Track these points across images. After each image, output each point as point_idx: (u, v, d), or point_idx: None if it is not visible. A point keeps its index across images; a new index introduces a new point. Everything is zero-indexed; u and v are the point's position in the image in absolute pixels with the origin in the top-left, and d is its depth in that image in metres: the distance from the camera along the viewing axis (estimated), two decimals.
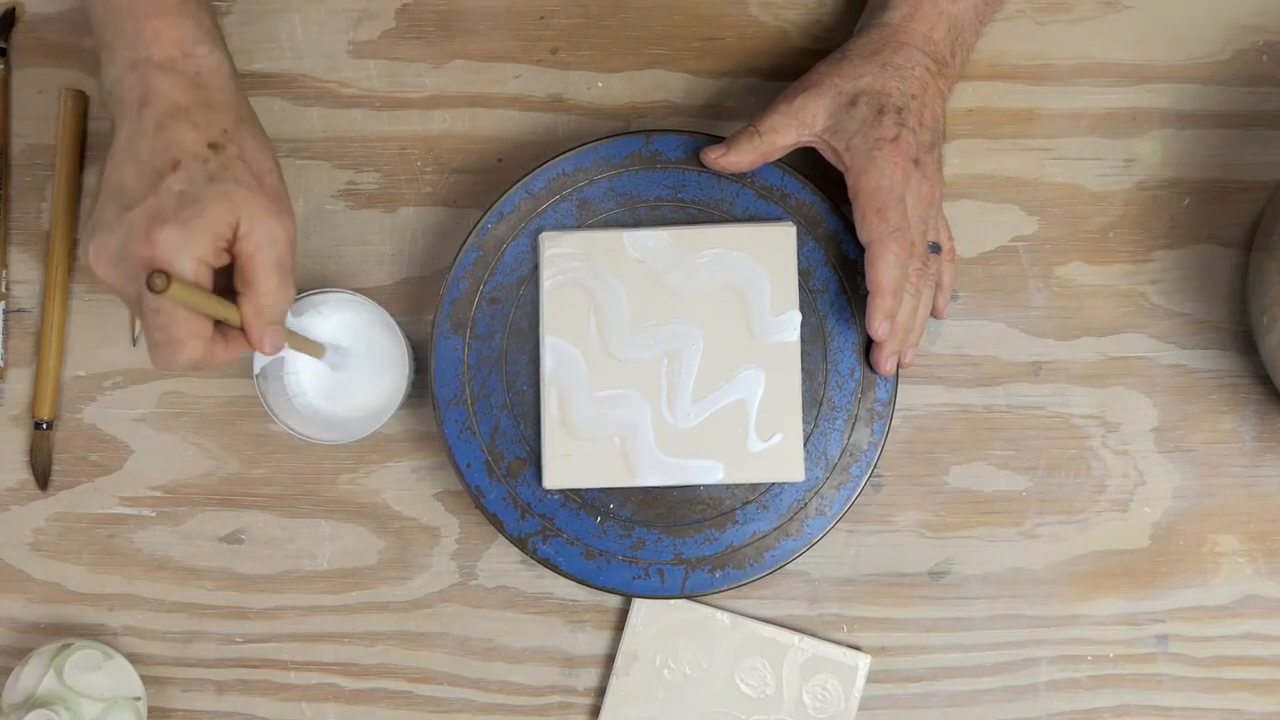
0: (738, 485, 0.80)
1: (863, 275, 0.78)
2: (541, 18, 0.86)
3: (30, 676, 0.80)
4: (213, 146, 0.67)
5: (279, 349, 0.69)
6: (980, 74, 0.85)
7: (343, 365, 0.81)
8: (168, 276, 0.60)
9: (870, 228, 0.75)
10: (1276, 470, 0.84)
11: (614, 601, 0.84)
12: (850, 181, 0.76)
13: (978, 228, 0.84)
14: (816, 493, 0.80)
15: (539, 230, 0.80)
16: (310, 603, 0.85)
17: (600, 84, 0.85)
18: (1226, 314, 0.84)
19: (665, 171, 0.81)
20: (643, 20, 0.86)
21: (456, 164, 0.85)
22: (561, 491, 0.80)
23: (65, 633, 0.85)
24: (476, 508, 0.80)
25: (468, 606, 0.84)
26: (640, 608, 0.83)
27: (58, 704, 0.78)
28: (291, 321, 0.78)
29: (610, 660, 0.84)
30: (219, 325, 0.68)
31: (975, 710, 0.84)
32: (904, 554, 0.84)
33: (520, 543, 0.80)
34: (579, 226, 0.81)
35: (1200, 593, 0.84)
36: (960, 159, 0.84)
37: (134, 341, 0.85)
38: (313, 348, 0.77)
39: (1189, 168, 0.85)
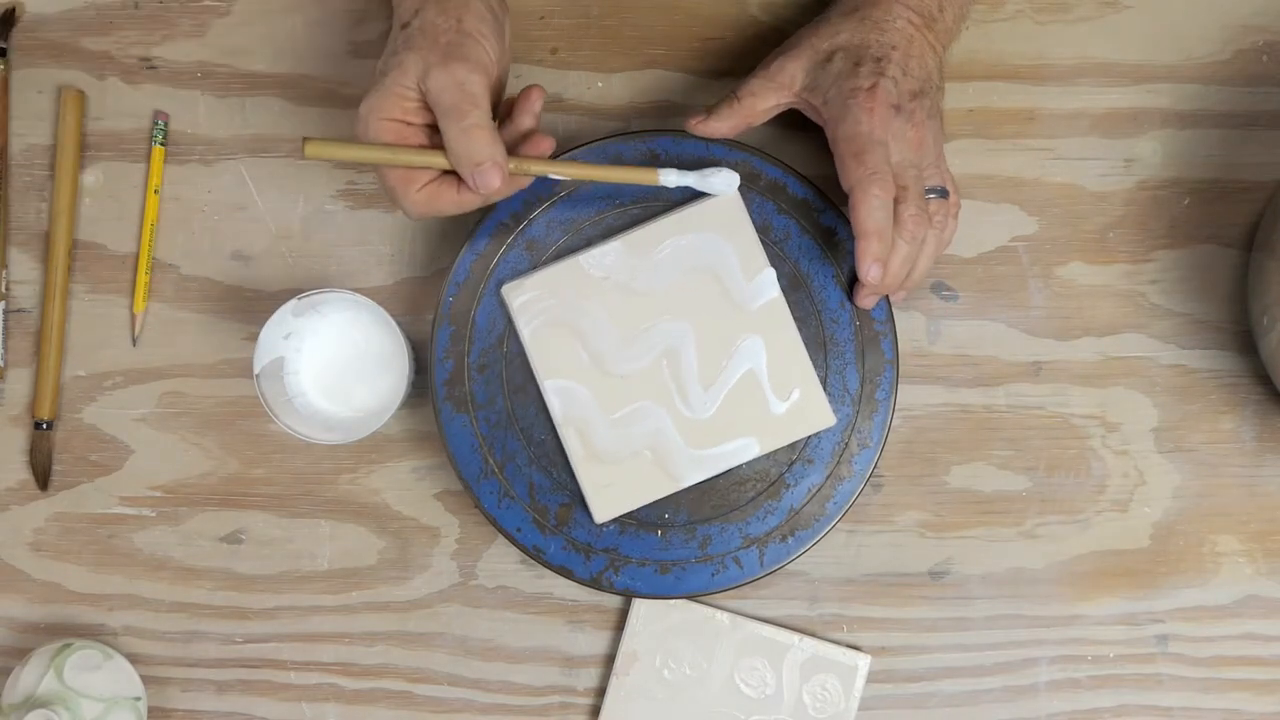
0: (776, 451, 0.80)
1: (818, 209, 0.79)
2: (541, 18, 0.86)
3: (30, 676, 0.80)
4: (404, 26, 0.74)
5: (491, 189, 0.73)
6: (980, 74, 0.85)
7: (727, 186, 0.79)
8: (305, 140, 0.72)
9: (849, 172, 0.74)
10: (1276, 470, 0.84)
11: (614, 601, 0.84)
12: (829, 133, 0.76)
13: (978, 228, 0.84)
14: (853, 429, 0.81)
15: (499, 285, 0.81)
16: (310, 603, 0.85)
17: (600, 84, 0.85)
18: (1226, 314, 0.84)
19: (593, 185, 0.81)
20: (643, 20, 0.86)
21: None
22: (615, 521, 0.80)
23: (65, 633, 0.85)
24: (539, 563, 0.80)
25: (468, 606, 0.84)
26: (640, 608, 0.83)
27: (58, 704, 0.78)
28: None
29: (610, 660, 0.84)
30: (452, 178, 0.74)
31: (975, 710, 0.84)
32: (904, 554, 0.84)
33: (595, 583, 0.80)
34: (534, 268, 0.81)
35: (1200, 593, 0.84)
36: (960, 159, 0.84)
37: (134, 341, 0.85)
38: (639, 174, 0.78)
39: (1189, 168, 0.85)
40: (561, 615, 0.84)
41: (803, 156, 0.83)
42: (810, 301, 0.81)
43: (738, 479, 0.81)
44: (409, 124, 0.73)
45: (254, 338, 0.79)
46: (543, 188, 0.81)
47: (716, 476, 0.80)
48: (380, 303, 0.79)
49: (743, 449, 0.80)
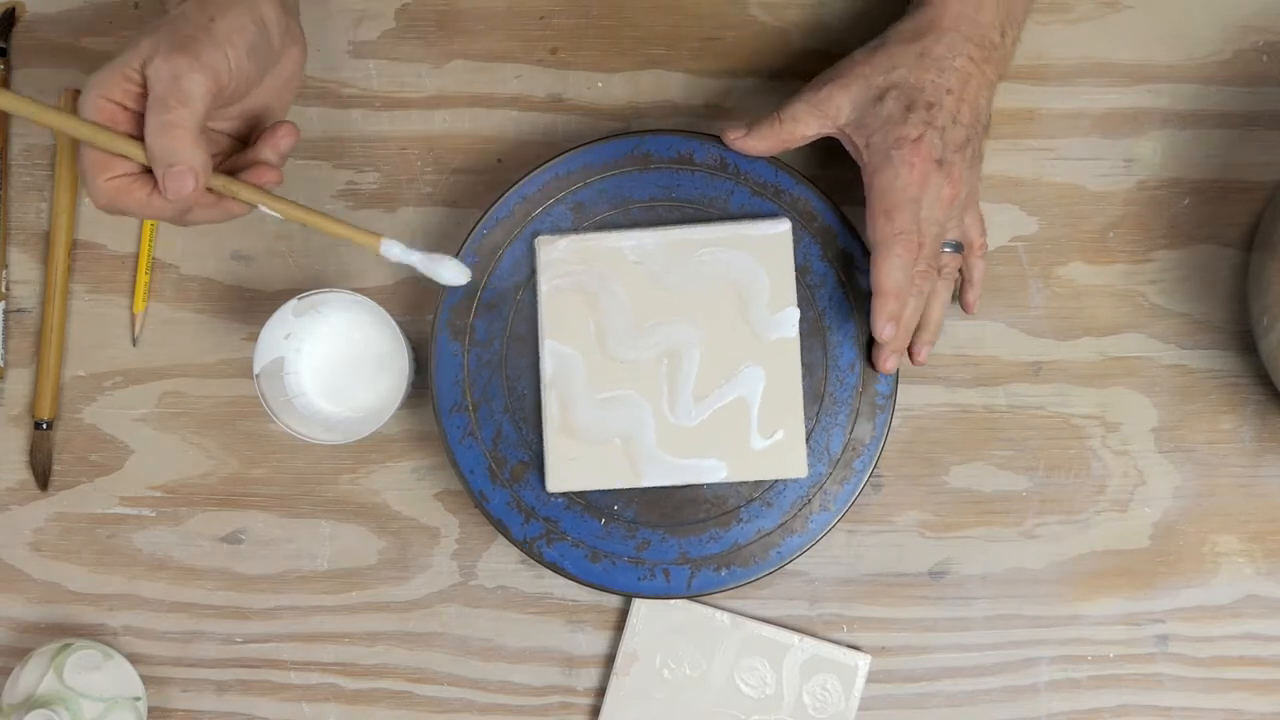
0: (741, 483, 0.80)
1: (861, 270, 0.78)
2: (541, 18, 0.86)
3: (30, 676, 0.80)
4: (165, 12, 0.71)
5: (183, 193, 0.67)
6: None
7: (458, 276, 0.76)
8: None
9: (877, 229, 0.74)
10: (1276, 470, 0.84)
11: (614, 601, 0.84)
12: (866, 179, 0.75)
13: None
14: (820, 488, 0.80)
15: (534, 234, 0.80)
16: (310, 603, 0.85)
17: (600, 84, 0.85)
18: (1226, 314, 0.84)
19: (658, 172, 0.81)
20: (643, 20, 0.86)
21: (456, 164, 0.85)
22: (565, 495, 0.80)
23: (65, 633, 0.85)
24: (479, 511, 0.80)
25: (468, 606, 0.84)
26: (640, 608, 0.83)
27: (58, 704, 0.78)
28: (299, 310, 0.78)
29: (610, 660, 0.84)
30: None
31: (975, 710, 0.84)
32: (904, 554, 0.84)
33: (525, 546, 0.80)
34: (574, 229, 0.81)
35: (1200, 593, 0.84)
36: None
37: (134, 341, 0.85)
38: (364, 237, 0.74)
39: (1189, 168, 0.85)
40: (561, 615, 0.84)
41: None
42: (823, 352, 0.80)
43: (695, 496, 0.80)
44: (125, 108, 0.68)
45: (254, 338, 0.79)
46: (610, 154, 0.80)
47: (676, 487, 0.80)
48: (380, 303, 0.79)
49: (711, 469, 0.79)
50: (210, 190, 0.70)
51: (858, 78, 0.75)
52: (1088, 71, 0.85)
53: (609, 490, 0.80)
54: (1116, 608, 0.84)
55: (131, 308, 0.85)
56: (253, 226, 0.85)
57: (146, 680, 0.83)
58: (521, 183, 0.80)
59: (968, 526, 0.84)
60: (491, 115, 0.85)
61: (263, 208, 0.72)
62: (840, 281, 0.80)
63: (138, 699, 0.81)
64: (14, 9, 0.86)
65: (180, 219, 0.70)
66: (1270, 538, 0.84)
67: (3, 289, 0.85)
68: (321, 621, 0.85)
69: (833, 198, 0.80)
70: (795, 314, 0.80)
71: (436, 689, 0.84)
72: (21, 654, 0.82)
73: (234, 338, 0.85)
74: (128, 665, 0.82)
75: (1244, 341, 0.84)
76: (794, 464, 0.79)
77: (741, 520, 0.80)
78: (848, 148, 0.77)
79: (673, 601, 0.82)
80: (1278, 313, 0.76)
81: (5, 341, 0.85)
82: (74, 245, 0.85)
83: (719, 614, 0.83)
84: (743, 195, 0.81)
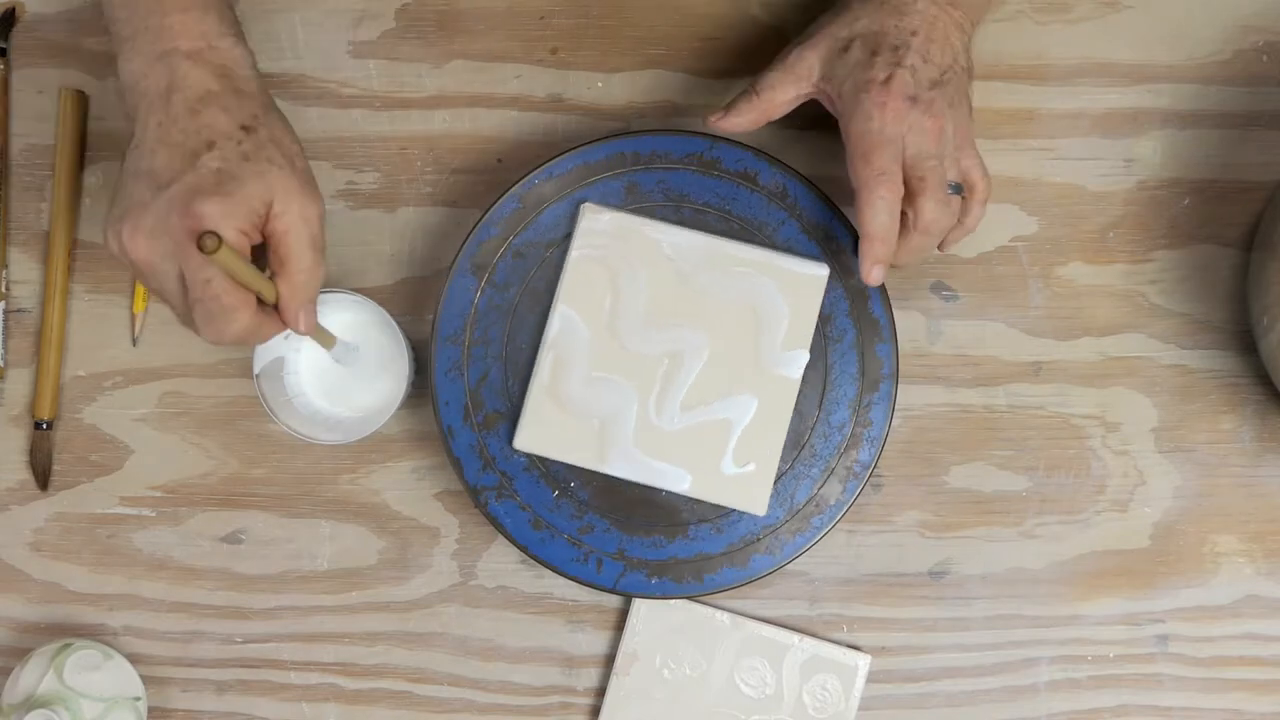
0: (699, 502, 0.80)
1: (881, 338, 0.80)
2: (541, 18, 0.86)
3: (30, 676, 0.80)
4: (245, 129, 0.68)
5: (313, 329, 0.71)
6: (980, 74, 0.84)
7: (351, 361, 0.81)
8: (218, 238, 0.61)
9: (857, 173, 0.74)
10: (1276, 470, 0.84)
11: (614, 601, 0.84)
12: (841, 127, 0.75)
13: (978, 228, 0.84)
14: (772, 532, 0.80)
15: (583, 200, 0.81)
16: (310, 603, 0.85)
17: (600, 84, 0.85)
18: (1226, 314, 0.84)
19: (720, 180, 0.81)
20: (643, 20, 0.86)
21: (456, 164, 0.85)
22: (528, 456, 0.80)
23: (65, 633, 0.85)
24: (442, 447, 0.80)
25: (468, 606, 0.84)
26: (640, 608, 0.83)
27: (58, 704, 0.78)
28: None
29: (610, 660, 0.84)
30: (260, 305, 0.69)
31: (975, 710, 0.84)
32: (904, 554, 0.84)
33: (474, 493, 0.80)
34: (623, 207, 0.81)
35: (1200, 593, 0.84)
36: None
37: (134, 341, 0.85)
38: (324, 337, 0.77)
39: (1189, 168, 0.85)
40: (561, 615, 0.84)
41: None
42: (819, 403, 0.80)
43: (651, 499, 0.80)
44: (247, 240, 0.68)
45: None
46: (677, 148, 0.81)
47: (635, 484, 0.80)
48: (380, 303, 0.79)
49: (676, 478, 0.79)
50: None
51: (824, 35, 0.76)
52: (1088, 71, 0.85)
53: (571, 466, 0.80)
54: (1116, 608, 0.84)
55: (131, 308, 0.85)
56: None
57: (146, 680, 0.83)
58: (587, 147, 0.81)
59: (968, 526, 0.84)
60: (491, 115, 0.85)
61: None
62: (857, 342, 0.80)
63: (138, 699, 0.81)
64: (14, 9, 0.86)
65: (261, 340, 0.71)
66: (1270, 538, 0.84)
67: (3, 289, 0.85)
68: (321, 621, 0.85)
69: (853, 282, 0.81)
70: (805, 358, 0.80)
71: (436, 689, 0.84)
72: (21, 654, 0.82)
73: None
74: (128, 665, 0.82)
75: (1244, 341, 0.84)
76: (756, 500, 0.79)
77: (688, 537, 0.80)
78: (825, 105, 0.77)
79: (673, 601, 0.82)
80: (1278, 313, 0.76)
81: (5, 341, 0.85)
82: (74, 245, 0.85)
83: (719, 614, 0.83)
84: (792, 229, 0.81)
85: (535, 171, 0.81)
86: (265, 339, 0.70)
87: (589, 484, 0.81)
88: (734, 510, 0.80)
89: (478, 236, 0.81)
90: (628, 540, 0.80)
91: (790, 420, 0.80)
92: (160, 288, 0.68)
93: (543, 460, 0.80)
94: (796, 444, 0.80)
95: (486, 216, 0.81)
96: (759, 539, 0.80)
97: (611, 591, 0.80)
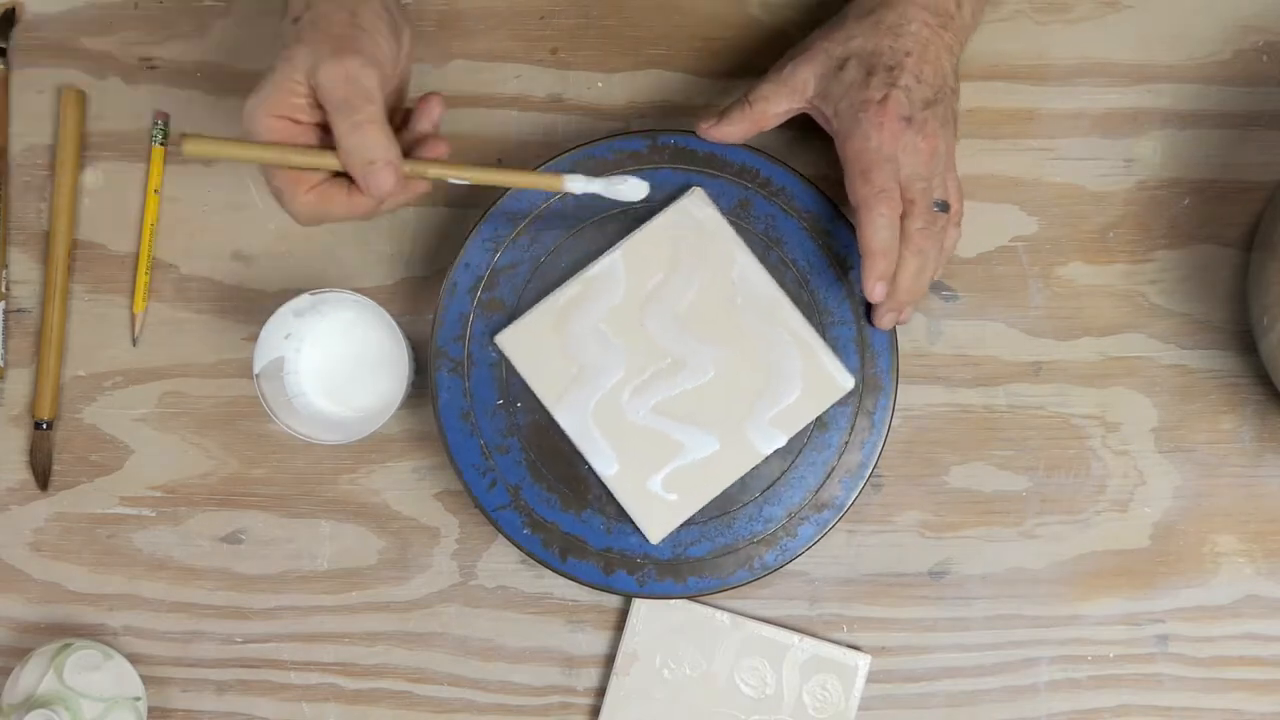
0: (614, 508, 0.80)
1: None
2: (541, 18, 0.86)
3: (30, 676, 0.80)
4: (295, 20, 0.70)
5: (385, 189, 0.69)
6: (980, 74, 0.85)
7: (630, 194, 0.77)
8: (183, 135, 0.68)
9: (856, 191, 0.74)
10: (1276, 470, 0.84)
11: (614, 601, 0.84)
12: (838, 146, 0.76)
13: (978, 228, 0.84)
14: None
15: (690, 184, 0.81)
16: (310, 603, 0.85)
17: (600, 84, 0.85)
18: (1226, 314, 0.84)
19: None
20: (643, 20, 0.86)
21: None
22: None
23: (65, 633, 0.85)
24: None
25: (468, 606, 0.84)
26: (640, 608, 0.83)
27: (58, 704, 0.78)
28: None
29: (610, 660, 0.84)
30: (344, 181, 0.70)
31: (975, 710, 0.84)
32: (904, 554, 0.84)
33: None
34: (719, 206, 0.81)
35: (1200, 593, 0.84)
36: (960, 159, 0.83)
37: (134, 341, 0.85)
38: (471, 178, 0.74)
39: (1189, 168, 0.85)
40: (561, 615, 0.84)
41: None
42: (788, 476, 0.81)
43: (583, 477, 0.81)
44: (298, 122, 0.69)
45: (254, 338, 0.79)
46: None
47: (574, 454, 0.80)
48: (380, 303, 0.79)
49: (605, 461, 0.80)
50: None
51: (819, 51, 0.76)
52: (1088, 71, 0.85)
53: (523, 409, 0.80)
54: (1116, 608, 0.84)
55: (131, 308, 0.85)
56: (253, 226, 0.85)
57: (146, 680, 0.83)
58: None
59: (968, 526, 0.84)
60: (491, 115, 0.85)
61: (451, 179, 0.73)
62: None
63: (138, 699, 0.81)
64: (14, 9, 0.86)
65: (376, 212, 0.71)
66: (1270, 538, 0.84)
67: (3, 289, 0.85)
68: (321, 621, 0.85)
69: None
70: (780, 442, 0.80)
71: (436, 689, 0.84)
72: (21, 654, 0.82)
73: (234, 338, 0.85)
74: (128, 665, 0.82)
75: (1244, 341, 0.84)
76: (656, 527, 0.80)
77: (593, 526, 0.80)
78: (818, 120, 0.77)
79: (673, 601, 0.82)
80: (1278, 313, 0.76)
81: (5, 341, 0.85)
82: (74, 245, 0.85)
83: (719, 614, 0.83)
84: (842, 327, 0.81)
85: (483, 218, 0.81)
86: (358, 208, 0.70)
87: (531, 442, 0.80)
88: (733, 510, 0.80)
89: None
90: (547, 501, 0.80)
91: (764, 481, 0.80)
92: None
93: (505, 390, 0.80)
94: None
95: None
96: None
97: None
